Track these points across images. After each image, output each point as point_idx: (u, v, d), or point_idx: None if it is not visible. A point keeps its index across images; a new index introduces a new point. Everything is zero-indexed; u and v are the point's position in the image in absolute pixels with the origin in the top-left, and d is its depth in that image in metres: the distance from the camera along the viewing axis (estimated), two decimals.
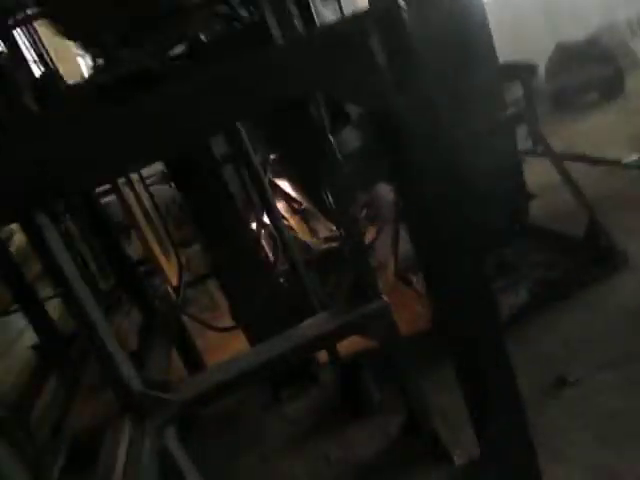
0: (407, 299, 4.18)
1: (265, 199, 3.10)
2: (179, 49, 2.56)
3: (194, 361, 3.99)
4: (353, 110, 3.11)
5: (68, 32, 2.39)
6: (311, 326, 2.53)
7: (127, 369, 2.26)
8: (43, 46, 4.41)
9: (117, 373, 2.22)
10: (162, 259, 4.63)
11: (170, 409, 2.29)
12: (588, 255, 3.66)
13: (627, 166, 3.92)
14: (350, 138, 3.39)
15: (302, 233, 3.94)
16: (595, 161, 4.22)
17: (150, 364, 2.87)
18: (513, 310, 3.36)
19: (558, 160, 3.55)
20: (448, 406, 2.89)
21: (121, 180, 4.49)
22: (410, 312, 4.02)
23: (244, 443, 3.25)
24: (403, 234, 4.63)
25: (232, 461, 3.13)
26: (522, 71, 4.10)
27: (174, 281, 4.51)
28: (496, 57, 4.07)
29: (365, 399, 3.14)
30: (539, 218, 4.15)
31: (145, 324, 3.37)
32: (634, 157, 3.86)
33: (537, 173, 4.14)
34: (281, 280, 3.43)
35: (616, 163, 3.99)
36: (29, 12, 3.64)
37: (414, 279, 4.30)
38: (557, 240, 3.98)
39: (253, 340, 3.24)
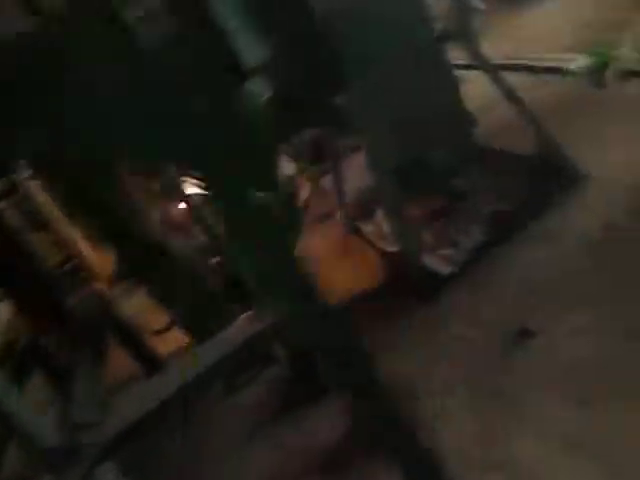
0: (361, 251, 3.88)
1: None
2: None
3: (147, 357, 3.69)
4: (251, 58, 2.64)
5: None
6: (238, 329, 2.22)
7: (34, 425, 1.95)
8: None
9: (23, 435, 1.92)
10: (91, 252, 4.22)
11: (91, 456, 2.01)
12: (542, 175, 3.36)
13: (571, 73, 3.53)
14: (258, 89, 2.93)
15: None
16: (536, 70, 3.81)
17: (77, 391, 2.57)
18: (468, 254, 3.08)
19: (496, 74, 3.15)
20: (410, 375, 2.68)
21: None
22: (367, 266, 3.74)
23: (199, 440, 3.03)
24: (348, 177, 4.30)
25: (188, 462, 2.93)
26: None
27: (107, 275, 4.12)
28: None
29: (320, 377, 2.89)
30: (484, 137, 3.79)
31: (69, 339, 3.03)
32: (578, 62, 3.48)
33: (478, 87, 3.74)
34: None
35: (559, 70, 3.59)
36: None
37: (365, 227, 3.98)
38: (508, 161, 3.66)
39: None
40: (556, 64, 3.63)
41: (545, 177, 3.33)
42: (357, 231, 4.00)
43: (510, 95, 3.18)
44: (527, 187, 3.41)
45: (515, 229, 3.12)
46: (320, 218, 4.51)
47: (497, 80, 3.17)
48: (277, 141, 3.41)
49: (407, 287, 3.21)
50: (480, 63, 3.18)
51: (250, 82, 2.84)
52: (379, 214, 3.94)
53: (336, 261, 4.01)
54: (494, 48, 5.80)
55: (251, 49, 2.76)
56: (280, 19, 2.91)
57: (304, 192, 4.21)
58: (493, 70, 3.15)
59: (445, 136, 3.46)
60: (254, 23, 2.81)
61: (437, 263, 3.09)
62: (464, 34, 3.15)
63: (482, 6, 8.31)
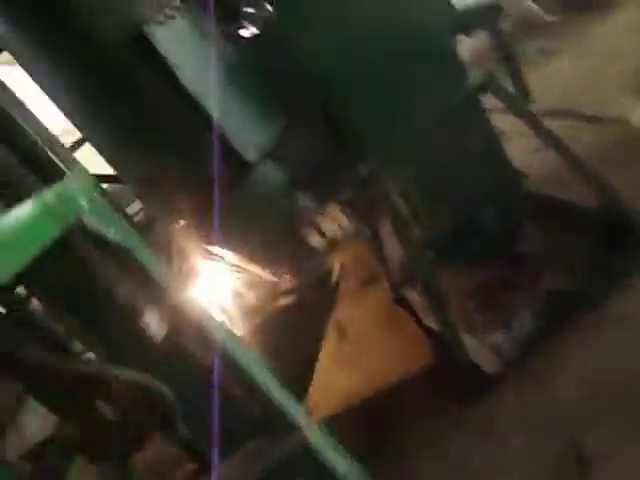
0: (405, 325, 3.51)
1: None
2: None
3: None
4: (250, 148, 2.42)
5: None
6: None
7: None
8: None
9: None
10: None
11: None
12: (610, 236, 2.84)
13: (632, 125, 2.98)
14: (272, 172, 2.70)
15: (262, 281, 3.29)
16: (593, 119, 3.28)
17: None
18: (520, 345, 2.63)
19: (539, 125, 2.71)
20: None
21: None
22: (411, 343, 3.36)
23: None
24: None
25: None
26: (484, 17, 3.18)
27: None
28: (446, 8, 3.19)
29: None
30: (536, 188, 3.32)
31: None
32: None
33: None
34: None
35: (623, 122, 3.05)
36: None
37: (412, 295, 3.60)
38: (569, 216, 3.15)
39: None
40: (616, 113, 3.08)
41: (614, 239, 2.81)
42: (402, 301, 3.63)
43: (557, 146, 2.73)
44: (593, 251, 2.90)
45: (578, 311, 2.63)
46: (364, 282, 4.19)
47: (541, 132, 2.73)
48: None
49: (452, 375, 2.81)
50: (521, 114, 2.75)
51: (261, 168, 2.63)
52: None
53: (378, 336, 3.67)
54: (572, 65, 5.30)
55: (258, 134, 2.55)
56: (288, 96, 2.68)
57: (342, 256, 3.92)
58: (536, 121, 2.71)
59: (492, 194, 3.05)
60: (259, 106, 2.60)
61: (482, 356, 2.66)
62: (501, 85, 2.73)
63: (552, 18, 7.69)
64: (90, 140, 2.62)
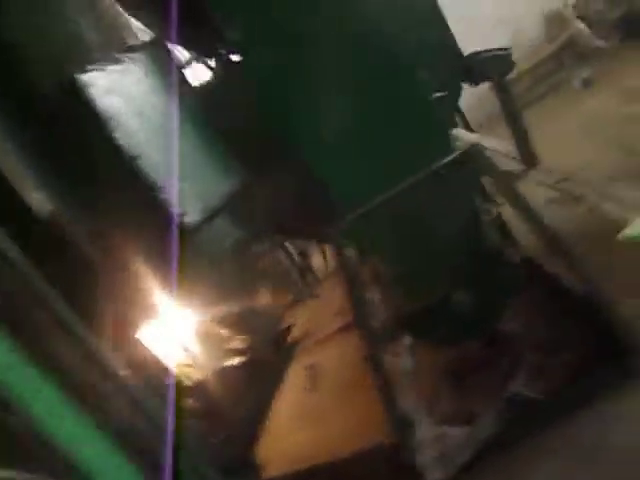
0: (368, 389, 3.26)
1: None
2: None
3: None
4: (192, 211, 2.22)
5: None
6: None
7: None
8: None
9: None
10: None
11: None
12: (594, 339, 2.53)
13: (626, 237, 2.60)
14: (222, 231, 2.50)
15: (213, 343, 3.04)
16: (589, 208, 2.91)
17: None
18: (473, 449, 2.37)
19: (521, 204, 2.42)
20: None
21: None
22: (371, 412, 3.12)
23: None
24: None
25: None
26: (490, 67, 2.86)
27: None
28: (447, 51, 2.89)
29: None
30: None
31: None
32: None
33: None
34: None
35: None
36: None
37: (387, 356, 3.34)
38: (558, 290, 2.86)
39: None
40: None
41: (598, 345, 2.50)
42: (376, 363, 3.37)
43: (537, 226, 2.43)
44: (579, 344, 2.60)
45: (546, 422, 2.35)
46: (344, 328, 3.96)
47: (521, 211, 2.44)
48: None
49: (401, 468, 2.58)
50: (503, 190, 2.46)
51: (210, 227, 2.43)
52: (405, 343, 3.30)
53: (349, 392, 3.44)
54: (612, 106, 4.91)
55: (205, 194, 2.35)
56: (250, 150, 2.47)
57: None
58: (517, 200, 2.42)
59: (471, 271, 2.77)
60: (213, 162, 2.40)
61: (430, 455, 2.40)
62: (486, 158, 2.43)
63: (602, 44, 7.13)
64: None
